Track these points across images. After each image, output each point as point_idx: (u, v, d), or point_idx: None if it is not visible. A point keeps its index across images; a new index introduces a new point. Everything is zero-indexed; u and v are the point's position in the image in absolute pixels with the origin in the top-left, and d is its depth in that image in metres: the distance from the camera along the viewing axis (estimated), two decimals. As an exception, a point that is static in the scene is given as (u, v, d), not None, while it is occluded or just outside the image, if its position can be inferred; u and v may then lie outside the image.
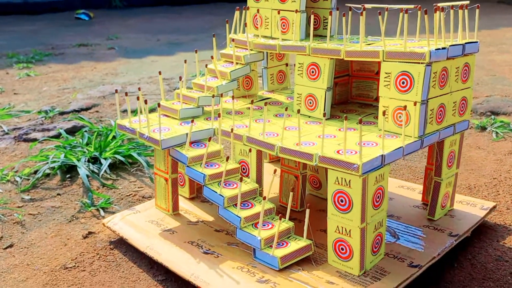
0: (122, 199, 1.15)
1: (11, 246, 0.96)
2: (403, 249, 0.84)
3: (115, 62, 2.77)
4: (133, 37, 3.70)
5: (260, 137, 0.85)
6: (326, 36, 0.99)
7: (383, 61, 0.84)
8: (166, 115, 1.01)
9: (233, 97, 1.00)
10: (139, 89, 0.98)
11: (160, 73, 1.01)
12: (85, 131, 1.50)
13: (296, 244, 0.80)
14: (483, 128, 1.55)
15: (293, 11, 1.00)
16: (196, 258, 0.82)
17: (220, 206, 0.83)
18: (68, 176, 1.26)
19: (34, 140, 1.50)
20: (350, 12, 0.95)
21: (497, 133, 1.50)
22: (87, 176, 1.22)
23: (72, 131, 1.56)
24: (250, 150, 0.87)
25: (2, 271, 0.88)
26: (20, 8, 5.41)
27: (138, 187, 1.20)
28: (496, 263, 0.87)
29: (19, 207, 1.12)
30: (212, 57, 1.03)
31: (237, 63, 1.05)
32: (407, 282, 0.75)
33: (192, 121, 0.87)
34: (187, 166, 0.87)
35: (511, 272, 0.85)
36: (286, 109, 0.88)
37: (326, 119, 0.95)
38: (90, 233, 1.00)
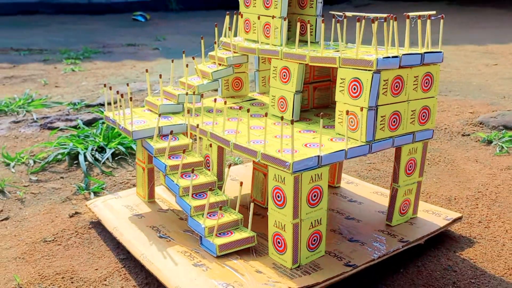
0: (115, 185, 1.25)
1: (7, 219, 1.08)
2: (347, 249, 0.88)
3: (154, 62, 2.92)
4: (179, 39, 3.86)
5: (221, 133, 0.92)
6: (311, 42, 1.04)
7: (339, 67, 0.88)
8: (150, 110, 1.09)
9: (215, 100, 1.07)
10: (127, 84, 1.07)
11: (147, 70, 1.10)
12: (102, 123, 1.63)
13: (239, 235, 0.85)
14: (489, 142, 1.52)
15: (275, 17, 1.06)
16: (150, 240, 0.89)
17: (176, 194, 0.90)
18: (75, 162, 1.38)
19: (56, 128, 1.64)
20: (333, 19, 0.99)
21: (502, 147, 1.47)
22: (90, 163, 1.34)
23: (91, 123, 1.69)
24: (210, 145, 0.94)
25: (-8, 239, 1.00)
26: (85, 8, 5.78)
27: (133, 176, 1.30)
28: (443, 272, 0.88)
29: (25, 186, 1.25)
30: (193, 58, 1.10)
31: (220, 64, 1.12)
32: (335, 280, 0.79)
33: (159, 116, 0.95)
34: (154, 156, 0.95)
35: (455, 282, 0.85)
36: (266, 115, 0.92)
37: (295, 121, 1.00)
38: (76, 213, 1.10)
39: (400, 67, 0.85)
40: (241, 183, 0.88)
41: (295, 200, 0.78)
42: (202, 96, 1.10)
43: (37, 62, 2.96)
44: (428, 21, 0.90)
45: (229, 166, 0.91)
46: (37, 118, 1.76)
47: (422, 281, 0.86)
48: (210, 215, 0.87)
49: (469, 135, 1.60)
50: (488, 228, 1.03)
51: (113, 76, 2.53)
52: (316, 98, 1.12)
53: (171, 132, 0.92)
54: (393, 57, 0.83)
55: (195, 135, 0.98)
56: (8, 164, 1.37)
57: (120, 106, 1.02)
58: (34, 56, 3.16)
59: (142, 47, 3.50)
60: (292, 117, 1.00)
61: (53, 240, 0.99)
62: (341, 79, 0.88)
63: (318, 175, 0.80)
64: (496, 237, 1.00)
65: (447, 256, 0.93)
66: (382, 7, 5.84)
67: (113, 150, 1.40)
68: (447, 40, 3.51)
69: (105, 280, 0.86)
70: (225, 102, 0.94)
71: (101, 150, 1.43)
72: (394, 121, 0.88)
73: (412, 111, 0.91)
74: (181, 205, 0.89)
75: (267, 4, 1.08)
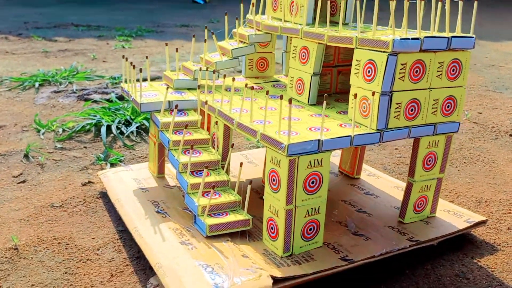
0: (133, 159, 1.25)
1: (24, 182, 1.11)
2: (348, 243, 0.82)
3: (201, 43, 2.92)
4: (232, 21, 3.84)
5: (227, 111, 0.88)
6: (342, 24, 0.98)
7: (356, 48, 0.82)
8: (167, 84, 1.07)
9: (233, 79, 1.03)
10: (146, 57, 1.06)
11: (166, 44, 1.08)
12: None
13: (234, 217, 0.82)
14: (540, 145, 1.39)
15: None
16: (147, 215, 0.88)
17: (176, 170, 0.88)
18: (100, 133, 1.40)
19: (90, 100, 1.67)
20: (364, 0, 0.92)
21: (553, 151, 1.33)
22: (115, 135, 1.35)
23: (125, 98, 1.71)
24: (216, 123, 0.91)
25: (5, 199, 1.02)
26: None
27: (153, 151, 1.30)
28: (454, 278, 0.80)
29: (49, 152, 1.27)
30: (212, 33, 1.07)
31: (242, 42, 1.08)
32: (326, 273, 0.74)
33: (167, 88, 0.93)
34: (160, 130, 0.93)
35: (464, 289, 0.78)
36: (267, 93, 0.88)
37: (310, 105, 0.95)
38: (89, 182, 1.11)
39: (422, 50, 0.77)
40: (241, 164, 0.85)
41: (290, 185, 0.73)
42: (224, 76, 1.06)
43: (92, 37, 3.05)
44: (460, 3, 0.82)
45: (232, 145, 0.87)
46: (76, 90, 1.80)
47: (427, 285, 0.79)
48: (207, 194, 0.84)
49: (518, 135, 1.47)
50: (517, 236, 0.94)
51: (159, 55, 2.55)
52: (340, 82, 1.06)
53: (176, 106, 0.89)
54: (412, 38, 0.76)
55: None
56: (39, 131, 1.41)
57: (136, 79, 1.00)
58: (91, 32, 3.26)
59: (195, 28, 3.52)
60: (308, 100, 0.95)
61: (60, 206, 1.01)
62: (357, 60, 0.81)
63: (318, 161, 0.75)
64: (524, 247, 0.90)
65: (462, 262, 0.85)
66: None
67: (138, 124, 1.41)
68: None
69: (98, 249, 0.86)
70: (252, 88, 0.90)
71: (128, 124, 1.44)
72: (411, 110, 0.81)
73: (434, 100, 0.83)
74: (180, 181, 0.87)
75: (294, -20, 1.02)
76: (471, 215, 0.93)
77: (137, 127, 1.41)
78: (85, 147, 1.31)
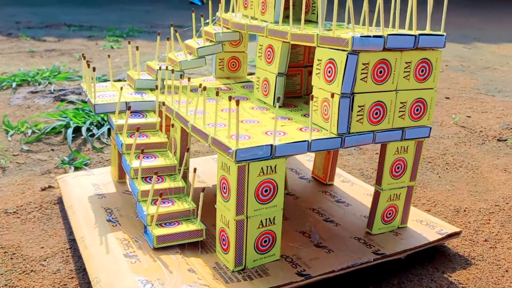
0: (100, 162, 1.20)
1: (-19, 186, 1.06)
2: (308, 256, 0.76)
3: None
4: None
5: (184, 113, 0.83)
6: (312, 21, 0.93)
7: (317, 46, 0.76)
8: (129, 85, 1.02)
9: (188, 79, 0.98)
10: (108, 56, 1.01)
11: (129, 42, 1.03)
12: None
13: (185, 227, 0.76)
14: (528, 151, 1.33)
15: (268, -9, 0.95)
16: (97, 223, 0.83)
17: (128, 176, 0.82)
18: (73, 135, 1.35)
19: (64, 101, 1.62)
20: None
21: (541, 158, 1.28)
22: (85, 138, 1.30)
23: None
24: (172, 125, 0.85)
25: (-42, 205, 0.98)
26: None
27: (122, 155, 1.25)
28: (421, 295, 0.75)
29: (14, 155, 1.23)
30: (176, 31, 1.02)
31: (209, 40, 1.03)
32: (279, 290, 0.68)
33: (121, 89, 0.88)
34: (115, 133, 0.88)
35: (431, 307, 0.72)
36: (217, 94, 0.82)
37: (279, 107, 0.89)
38: (49, 187, 1.06)
39: (385, 49, 0.72)
40: (195, 170, 0.79)
41: (240, 194, 0.68)
42: (187, 78, 1.01)
43: (82, 38, 3.01)
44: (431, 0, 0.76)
45: (187, 150, 0.82)
46: (54, 90, 1.76)
47: (391, 302, 0.73)
48: (161, 202, 0.79)
49: (506, 140, 1.41)
50: (493, 249, 0.88)
51: (148, 55, 2.50)
52: (310, 84, 1.01)
53: (129, 108, 0.84)
54: (375, 36, 0.70)
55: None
56: (7, 132, 1.36)
57: (92, 78, 0.95)
58: (82, 32, 3.22)
59: (188, 29, 3.47)
60: (274, 102, 0.90)
61: (14, 212, 0.95)
62: (318, 60, 0.76)
63: (271, 168, 0.70)
64: (500, 261, 0.84)
65: (432, 277, 0.79)
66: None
67: (108, 126, 1.36)
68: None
69: (45, 260, 0.81)
70: (202, 87, 0.85)
71: (101, 126, 1.39)
72: (376, 113, 0.75)
73: (401, 103, 0.77)
74: (132, 188, 0.82)
75: (263, -24, 0.97)
76: (444, 226, 0.88)
77: (108, 129, 1.36)
78: (52, 150, 1.26)
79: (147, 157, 0.85)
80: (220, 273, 0.70)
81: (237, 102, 0.66)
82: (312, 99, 0.73)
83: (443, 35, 0.76)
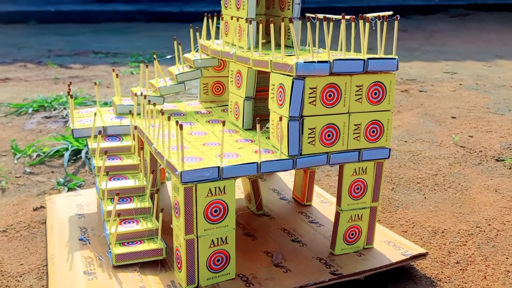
0: (93, 183, 1.25)
1: (-21, 206, 1.13)
2: (264, 275, 0.78)
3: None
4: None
5: (151, 136, 0.87)
6: (288, 46, 0.96)
7: (271, 72, 0.79)
8: (113, 110, 1.08)
9: (154, 104, 1.03)
10: (95, 83, 1.08)
11: (113, 70, 1.09)
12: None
13: (146, 246, 0.80)
14: (524, 171, 1.29)
15: (242, 18, 0.99)
16: (69, 242, 0.87)
17: (98, 197, 0.87)
18: (73, 158, 1.42)
19: (76, 125, 1.71)
20: (308, 22, 0.90)
21: (536, 178, 1.24)
22: (83, 161, 1.37)
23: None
24: (142, 148, 0.90)
25: (-46, 224, 1.05)
26: (177, 16, 6.06)
27: (116, 176, 1.30)
28: (375, 316, 0.75)
29: (16, 177, 1.30)
30: (155, 58, 1.07)
31: (189, 67, 1.08)
32: (228, 307, 0.70)
33: (95, 114, 0.93)
34: (91, 156, 0.93)
35: (382, 329, 0.72)
36: (169, 118, 0.86)
37: (245, 129, 0.92)
38: (41, 207, 1.12)
39: (332, 73, 0.74)
40: (157, 191, 0.83)
41: (188, 214, 0.71)
42: (155, 104, 1.05)
43: (106, 64, 3.14)
44: (384, 23, 0.78)
45: (152, 172, 0.85)
46: (66, 115, 1.85)
47: (344, 323, 0.73)
48: (125, 222, 0.82)
49: (503, 160, 1.37)
50: (463, 271, 0.86)
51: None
52: (286, 106, 1.03)
53: (100, 133, 0.89)
54: (319, 62, 0.72)
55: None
56: (15, 155, 1.44)
57: (71, 105, 1.01)
58: (107, 59, 3.36)
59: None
60: (243, 125, 0.93)
61: (3, 230, 1.01)
62: (272, 85, 0.79)
63: (219, 189, 0.72)
64: (468, 283, 0.83)
65: (393, 298, 0.79)
66: (482, 16, 5.37)
67: (107, 149, 1.42)
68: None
69: (21, 276, 0.86)
70: (162, 112, 0.89)
71: (101, 148, 1.46)
72: (329, 135, 0.77)
73: (355, 125, 0.78)
74: (101, 208, 0.86)
75: (238, 4, 1.01)
76: (411, 247, 0.87)
77: (106, 152, 1.42)
78: (52, 172, 1.33)
79: (117, 179, 0.89)
80: (171, 291, 0.73)
81: (181, 127, 0.69)
82: (258, 122, 0.75)
83: (394, 59, 0.78)
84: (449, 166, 1.35)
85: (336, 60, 0.73)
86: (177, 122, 0.73)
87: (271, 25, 0.88)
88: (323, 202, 1.08)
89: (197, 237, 0.72)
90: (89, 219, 0.96)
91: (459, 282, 0.83)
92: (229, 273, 0.76)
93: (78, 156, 1.43)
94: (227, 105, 1.12)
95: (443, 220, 1.05)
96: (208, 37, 1.13)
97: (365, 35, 0.75)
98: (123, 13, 6.00)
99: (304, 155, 0.76)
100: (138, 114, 1.00)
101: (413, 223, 1.04)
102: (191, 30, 1.12)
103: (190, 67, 1.07)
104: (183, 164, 0.69)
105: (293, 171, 1.20)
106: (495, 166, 1.35)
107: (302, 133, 0.75)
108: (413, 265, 0.88)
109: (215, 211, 0.73)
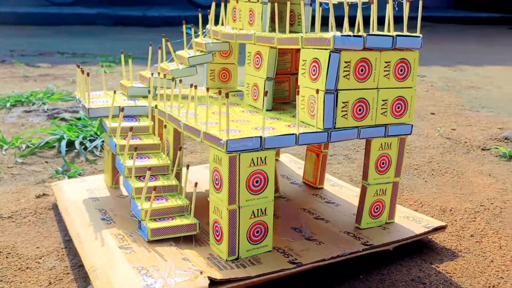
0: (93, 173, 1.22)
1: (-24, 194, 1.07)
2: (299, 247, 0.78)
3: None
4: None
5: (176, 114, 0.86)
6: (295, 32, 0.97)
7: (302, 48, 0.81)
8: (122, 93, 1.06)
9: (180, 80, 1.02)
10: (101, 65, 1.05)
11: (122, 52, 1.07)
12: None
13: (179, 221, 0.78)
14: (511, 158, 1.37)
15: (257, 1, 1.00)
16: (91, 221, 0.84)
17: (123, 175, 0.85)
18: (67, 150, 1.37)
19: (62, 118, 1.65)
20: (320, 8, 0.92)
21: (524, 163, 1.32)
22: (78, 151, 1.32)
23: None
24: (165, 126, 0.88)
25: (-47, 211, 0.99)
26: (140, 21, 5.98)
27: (115, 166, 1.27)
28: (409, 283, 0.77)
29: (8, 167, 1.24)
30: (167, 40, 1.06)
31: (201, 51, 1.07)
32: (272, 276, 0.70)
33: (114, 92, 0.91)
34: (108, 135, 0.91)
35: (419, 294, 0.74)
36: (207, 90, 0.86)
37: (266, 110, 0.93)
38: (44, 194, 1.08)
39: (365, 48, 0.76)
40: (188, 166, 0.82)
41: (231, 184, 0.71)
42: (180, 81, 1.05)
43: (75, 63, 3.06)
44: (407, 3, 0.81)
45: (180, 148, 0.85)
46: (47, 109, 1.78)
47: (380, 290, 0.75)
48: (155, 199, 0.81)
49: (489, 149, 1.45)
50: (479, 243, 0.90)
51: (135, 79, 2.55)
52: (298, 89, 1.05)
53: (122, 109, 0.87)
54: (354, 36, 0.74)
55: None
56: (2, 147, 1.38)
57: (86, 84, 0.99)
58: (75, 59, 3.27)
59: (180, 41, 3.54)
60: (263, 106, 0.93)
61: (9, 217, 0.97)
62: (303, 60, 0.80)
63: (261, 159, 0.73)
64: (486, 253, 0.87)
65: (420, 267, 0.81)
66: (440, 28, 5.63)
67: (102, 139, 1.38)
68: (498, 61, 3.31)
69: (40, 258, 0.82)
70: (195, 87, 0.88)
71: (94, 140, 1.42)
72: (360, 110, 0.79)
73: (383, 100, 0.81)
74: (126, 186, 0.84)
75: (249, -11, 1.02)
76: (430, 221, 0.90)
77: (102, 142, 1.39)
78: (46, 162, 1.28)
79: (140, 158, 0.87)
80: (214, 262, 0.72)
81: (227, 95, 0.69)
82: (298, 94, 0.77)
83: (419, 37, 0.81)
84: (441, 155, 1.40)
85: (369, 35, 0.76)
86: (220, 91, 0.73)
87: (287, 8, 0.90)
88: (334, 185, 1.10)
89: (239, 207, 0.72)
90: (105, 202, 0.94)
91: (478, 252, 0.87)
92: (266, 245, 0.76)
93: (71, 147, 1.38)
94: (236, 91, 1.13)
95: (447, 200, 1.09)
96: (216, 23, 1.13)
97: (390, 15, 0.78)
98: (84, 16, 5.85)
99: (338, 128, 0.78)
100: (155, 95, 0.99)
101: (421, 203, 1.08)
102: (184, 26, 1.13)
103: (200, 51, 1.07)
104: (228, 134, 0.69)
105: (302, 155, 1.21)
106: (483, 154, 1.42)
107: (336, 106, 0.77)
108: (431, 239, 0.91)
109: (256, 181, 0.73)
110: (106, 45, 4.08)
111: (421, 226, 0.88)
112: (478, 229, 0.96)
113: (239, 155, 0.70)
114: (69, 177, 1.17)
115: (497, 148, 1.44)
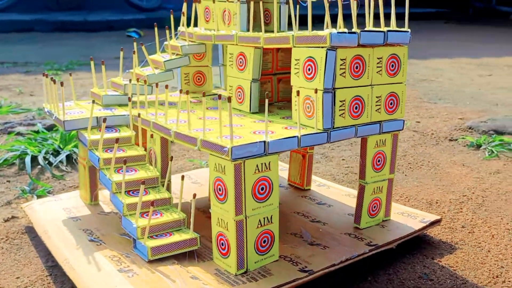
0: (63, 189, 1.13)
1: None
2: (305, 254, 0.76)
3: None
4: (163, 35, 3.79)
5: (163, 123, 0.81)
6: (270, 31, 0.94)
7: (293, 46, 0.78)
8: (96, 102, 0.99)
9: (166, 86, 0.97)
10: (70, 75, 0.98)
11: (91, 58, 1.00)
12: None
13: (179, 236, 0.74)
14: (478, 147, 1.41)
15: (234, 2, 0.96)
16: (78, 244, 0.78)
17: (110, 191, 0.79)
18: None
19: (17, 133, 1.54)
20: (298, 6, 0.89)
21: (492, 151, 1.36)
22: (42, 166, 1.23)
23: (53, 127, 1.58)
24: (151, 136, 0.83)
25: None
26: (81, 26, 5.74)
27: (86, 180, 1.19)
28: (418, 281, 0.76)
29: (-34, 190, 1.13)
30: (142, 44, 1.00)
31: (175, 54, 1.02)
32: (286, 287, 0.67)
33: (93, 102, 0.85)
34: (88, 149, 0.84)
35: (429, 291, 0.73)
36: (203, 94, 0.82)
37: (252, 113, 0.89)
38: (13, 217, 0.99)
39: (360, 45, 0.75)
40: (182, 177, 0.77)
41: (238, 193, 0.67)
42: (157, 86, 0.99)
43: (18, 73, 2.88)
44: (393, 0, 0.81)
45: (171, 158, 0.80)
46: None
47: (391, 291, 0.74)
48: (147, 215, 0.75)
49: (456, 139, 1.49)
50: (472, 234, 0.91)
51: (90, 86, 2.43)
52: (281, 91, 1.02)
53: (104, 120, 0.81)
54: (349, 32, 0.73)
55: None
56: (-47, 168, 1.26)
57: (57, 96, 0.91)
58: (17, 68, 3.08)
59: (129, 59, 3.42)
60: (250, 108, 0.90)
61: (-23, 246, 0.88)
62: (296, 60, 0.78)
63: (265, 165, 0.69)
64: (481, 243, 0.88)
65: (424, 263, 0.81)
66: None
67: (68, 153, 1.30)
68: (443, 54, 3.44)
69: (24, 289, 0.75)
70: (186, 92, 0.83)
71: (57, 153, 1.33)
72: (356, 108, 0.78)
73: (377, 97, 0.80)
74: (115, 203, 0.78)
75: (224, -12, 0.98)
76: (425, 215, 0.90)
77: (66, 156, 1.30)
78: (9, 181, 1.18)
79: (127, 171, 0.81)
80: (223, 278, 0.68)
81: (229, 99, 0.66)
82: (298, 94, 0.74)
83: (408, 31, 0.81)
84: (412, 148, 1.42)
85: (362, 31, 0.74)
86: (219, 96, 0.69)
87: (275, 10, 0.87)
88: (320, 186, 1.08)
89: (245, 217, 0.68)
90: (88, 221, 0.87)
91: (474, 243, 0.88)
92: (273, 255, 0.73)
93: (33, 163, 1.28)
94: (212, 95, 1.08)
95: (431, 193, 1.10)
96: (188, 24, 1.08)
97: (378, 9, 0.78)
98: (19, 23, 5.54)
99: (336, 128, 0.76)
100: (127, 104, 0.93)
101: (406, 197, 1.08)
102: (171, 15, 1.07)
103: (176, 54, 1.02)
104: (232, 140, 0.65)
105: (286, 159, 1.19)
106: (452, 145, 1.45)
107: (334, 105, 0.75)
108: (426, 233, 0.91)
109: (262, 188, 0.69)
110: (48, 52, 3.88)
111: (418, 221, 0.88)
112: (467, 219, 0.97)
113: (244, 162, 0.67)
114: (38, 196, 1.08)
115: (463, 138, 1.48)
